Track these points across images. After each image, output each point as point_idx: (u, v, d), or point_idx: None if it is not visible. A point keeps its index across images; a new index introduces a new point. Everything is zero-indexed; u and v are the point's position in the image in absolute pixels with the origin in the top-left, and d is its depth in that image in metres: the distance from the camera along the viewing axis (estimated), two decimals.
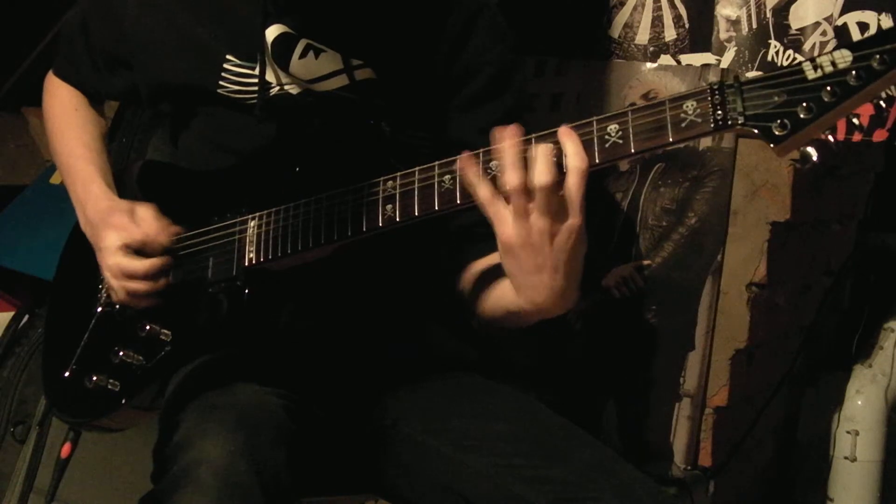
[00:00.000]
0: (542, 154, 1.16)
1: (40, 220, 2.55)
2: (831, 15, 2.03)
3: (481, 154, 1.21)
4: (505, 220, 1.19)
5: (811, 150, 1.08)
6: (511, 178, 1.17)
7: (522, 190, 1.16)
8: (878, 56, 1.02)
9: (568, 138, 1.16)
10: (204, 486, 1.18)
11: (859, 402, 2.42)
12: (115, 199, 1.54)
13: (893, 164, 2.48)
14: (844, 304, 2.71)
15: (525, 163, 1.17)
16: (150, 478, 1.30)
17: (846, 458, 2.40)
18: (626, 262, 2.17)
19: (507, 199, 1.19)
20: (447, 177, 1.24)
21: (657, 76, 2.18)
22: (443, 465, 1.40)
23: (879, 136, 1.99)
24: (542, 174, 1.15)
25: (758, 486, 2.56)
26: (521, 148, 1.18)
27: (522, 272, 1.23)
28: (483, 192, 1.20)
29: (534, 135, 1.19)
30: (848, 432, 2.40)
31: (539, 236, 1.17)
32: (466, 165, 1.21)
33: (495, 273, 1.39)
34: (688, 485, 2.13)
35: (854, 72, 1.03)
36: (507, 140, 1.18)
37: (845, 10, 2.02)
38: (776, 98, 1.07)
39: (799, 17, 2.07)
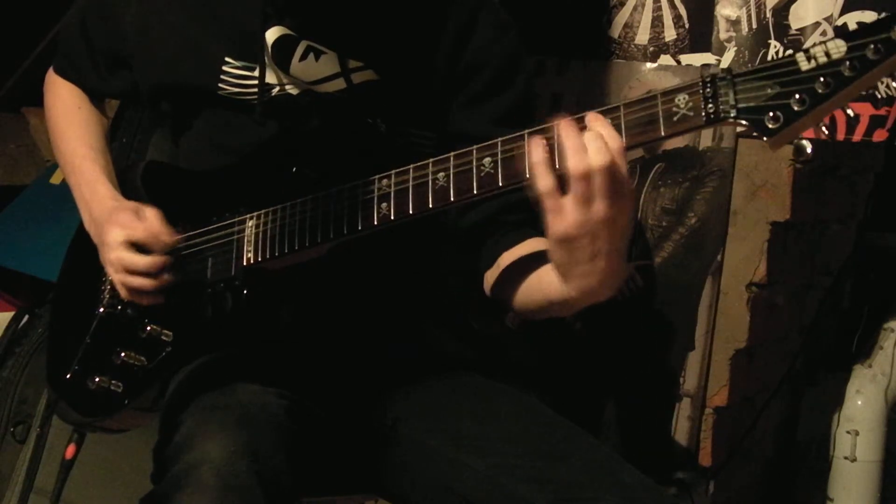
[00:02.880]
0: (593, 137, 1.11)
1: (40, 220, 2.55)
2: (831, 15, 2.03)
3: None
4: (565, 211, 1.14)
5: (805, 143, 1.05)
6: (575, 164, 1.11)
7: (583, 175, 1.11)
8: (872, 46, 0.98)
9: (598, 122, 1.12)
10: (204, 487, 1.18)
11: (859, 402, 2.42)
12: (122, 200, 1.54)
13: (893, 164, 2.47)
14: (844, 304, 2.71)
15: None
16: (151, 478, 1.30)
17: (846, 458, 2.40)
18: (626, 262, 2.17)
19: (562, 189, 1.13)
20: (441, 174, 1.23)
21: (657, 76, 2.18)
22: (443, 466, 1.40)
23: (879, 136, 1.99)
24: (597, 154, 1.10)
25: (758, 486, 2.56)
26: (575, 131, 1.12)
27: (576, 261, 1.18)
28: (545, 182, 1.14)
29: (559, 120, 1.14)
30: (848, 432, 2.40)
31: (599, 222, 1.13)
32: (535, 150, 1.15)
33: (531, 264, 1.37)
34: (688, 485, 2.13)
35: (848, 62, 0.99)
36: (561, 124, 1.14)
37: (845, 10, 2.01)
38: (769, 90, 1.04)
39: (799, 17, 2.07)
